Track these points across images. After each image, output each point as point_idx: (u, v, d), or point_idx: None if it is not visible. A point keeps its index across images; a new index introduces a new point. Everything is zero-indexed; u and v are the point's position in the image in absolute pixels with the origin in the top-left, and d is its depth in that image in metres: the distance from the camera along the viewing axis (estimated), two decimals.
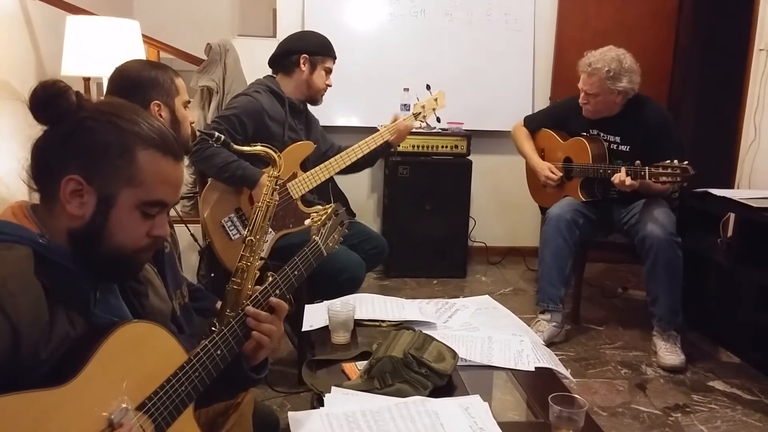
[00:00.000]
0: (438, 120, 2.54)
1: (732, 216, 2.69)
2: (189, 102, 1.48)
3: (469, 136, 3.36)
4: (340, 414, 1.12)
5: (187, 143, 1.47)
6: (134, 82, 1.37)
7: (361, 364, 1.34)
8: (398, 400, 1.17)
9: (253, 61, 2.90)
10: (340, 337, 1.50)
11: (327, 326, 1.53)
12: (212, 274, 2.16)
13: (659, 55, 3.57)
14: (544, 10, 3.60)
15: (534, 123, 2.85)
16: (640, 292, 3.10)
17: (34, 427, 0.69)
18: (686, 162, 2.21)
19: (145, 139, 0.85)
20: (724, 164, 3.19)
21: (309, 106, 2.34)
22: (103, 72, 2.18)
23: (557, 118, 2.78)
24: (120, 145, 0.83)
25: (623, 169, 2.35)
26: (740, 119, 3.05)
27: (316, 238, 1.25)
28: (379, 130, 2.32)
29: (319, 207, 1.41)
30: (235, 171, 2.04)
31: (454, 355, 1.34)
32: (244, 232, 1.56)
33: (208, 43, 2.99)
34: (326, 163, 2.20)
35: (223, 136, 1.52)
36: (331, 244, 1.29)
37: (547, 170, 2.69)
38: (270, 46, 2.33)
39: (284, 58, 2.22)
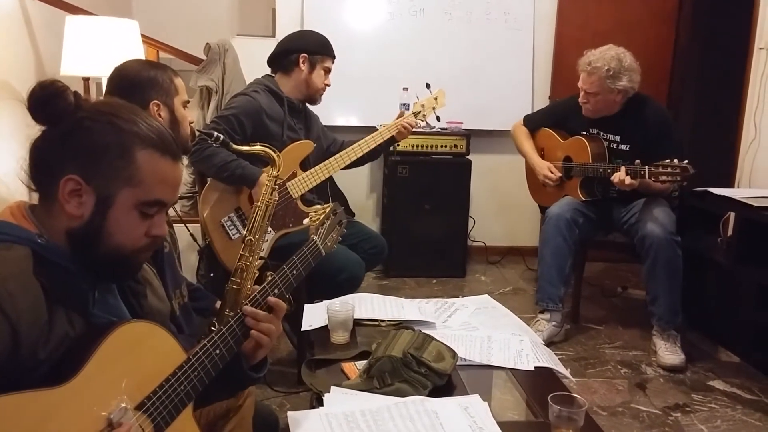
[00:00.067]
0: (438, 119, 2.55)
1: (732, 215, 2.69)
2: (188, 102, 1.48)
3: (469, 135, 3.36)
4: (340, 413, 1.12)
5: (187, 143, 1.46)
6: (133, 82, 1.37)
7: (361, 364, 1.34)
8: (397, 399, 1.17)
9: (253, 60, 2.90)
10: (340, 337, 1.50)
11: (326, 326, 1.53)
12: (212, 274, 2.16)
13: (659, 54, 3.57)
14: (543, 8, 3.60)
15: (534, 122, 2.85)
16: (640, 292, 3.10)
17: (33, 427, 0.69)
18: (686, 161, 2.21)
19: (144, 139, 0.85)
20: (724, 163, 3.19)
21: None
22: (103, 72, 2.18)
23: (557, 117, 2.78)
24: (118, 144, 0.83)
25: (623, 168, 2.34)
26: (740, 118, 3.05)
27: (315, 238, 1.25)
28: (378, 130, 2.32)
29: (318, 207, 1.40)
30: (234, 170, 2.04)
31: (454, 354, 1.34)
32: (244, 232, 1.56)
33: (207, 43, 2.98)
34: (325, 162, 2.20)
35: (222, 136, 1.52)
36: (329, 244, 1.29)
37: (546, 170, 2.69)
38: (269, 46, 2.33)
39: (283, 58, 2.22)
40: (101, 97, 1.98)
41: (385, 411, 1.13)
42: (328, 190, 2.43)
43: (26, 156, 0.85)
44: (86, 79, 2.40)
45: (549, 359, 1.45)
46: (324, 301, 1.66)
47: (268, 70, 2.29)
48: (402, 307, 1.68)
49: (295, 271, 1.13)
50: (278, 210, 2.00)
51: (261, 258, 1.57)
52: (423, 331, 1.42)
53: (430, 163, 3.32)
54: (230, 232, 2.08)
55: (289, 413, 1.12)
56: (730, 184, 3.04)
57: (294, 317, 1.69)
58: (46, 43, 2.43)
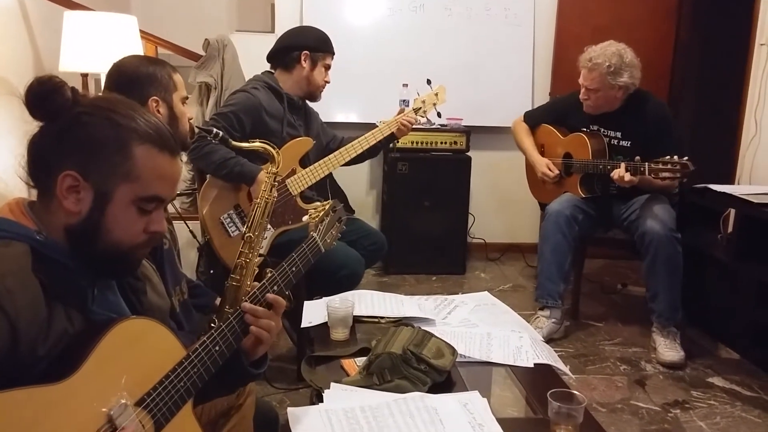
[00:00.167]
0: (439, 115, 2.54)
1: (732, 212, 2.68)
2: (187, 98, 1.47)
3: (469, 131, 3.35)
4: (339, 410, 1.12)
5: (185, 139, 1.46)
6: (132, 78, 1.37)
7: (360, 361, 1.34)
8: (397, 396, 1.18)
9: (252, 56, 2.90)
10: (339, 334, 1.50)
11: (326, 323, 1.53)
12: (211, 271, 2.16)
13: (659, 50, 3.56)
14: (543, 4, 3.59)
15: (534, 118, 2.84)
16: (640, 289, 3.10)
17: (33, 423, 0.69)
18: (686, 158, 2.21)
19: (142, 135, 0.84)
20: (724, 160, 3.19)
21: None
22: (101, 68, 2.18)
23: (557, 113, 2.77)
24: (116, 140, 0.83)
25: (622, 165, 2.34)
26: (741, 115, 3.04)
27: (314, 235, 1.24)
28: (378, 126, 2.31)
29: (318, 203, 1.40)
30: (233, 168, 2.03)
31: (453, 351, 1.34)
32: (243, 229, 1.56)
33: (206, 39, 2.97)
34: (325, 159, 2.19)
35: (221, 133, 1.52)
36: (329, 241, 1.29)
37: (545, 167, 2.68)
38: (268, 42, 2.32)
39: (284, 54, 2.21)
40: (99, 94, 1.97)
41: (384, 407, 1.13)
42: (327, 187, 2.43)
43: (24, 152, 0.85)
44: (84, 75, 2.39)
45: (548, 356, 1.45)
46: (324, 298, 1.66)
47: (267, 66, 2.28)
48: (402, 304, 1.68)
49: (294, 268, 1.13)
50: (277, 207, 2.00)
51: (260, 255, 1.57)
52: (422, 327, 1.42)
53: (429, 159, 3.31)
54: (229, 230, 2.07)
55: (289, 409, 1.12)
56: (730, 180, 3.04)
57: (294, 314, 1.70)
58: (44, 38, 2.42)
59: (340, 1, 3.45)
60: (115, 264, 0.87)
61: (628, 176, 2.31)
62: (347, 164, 2.28)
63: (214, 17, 3.86)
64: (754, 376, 2.30)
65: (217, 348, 0.92)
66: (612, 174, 2.37)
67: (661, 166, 2.23)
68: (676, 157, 2.21)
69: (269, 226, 2.01)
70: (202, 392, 0.90)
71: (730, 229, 2.69)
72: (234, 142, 1.57)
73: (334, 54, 2.26)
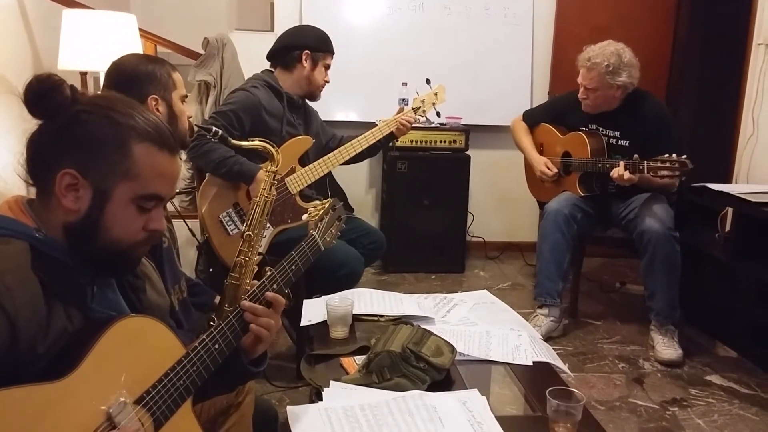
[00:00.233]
0: (438, 114, 2.54)
1: (730, 211, 2.69)
2: (186, 96, 1.47)
3: (468, 130, 3.35)
4: (339, 408, 1.12)
5: (185, 138, 1.46)
6: (131, 77, 1.37)
7: (360, 359, 1.34)
8: (396, 394, 1.18)
9: (251, 55, 2.89)
10: (339, 332, 1.50)
11: (325, 321, 1.53)
12: (210, 269, 2.16)
13: (658, 49, 3.57)
14: (542, 4, 3.59)
15: (533, 118, 2.85)
16: (638, 287, 3.11)
17: (32, 421, 0.69)
18: (685, 156, 2.21)
19: (141, 133, 0.84)
20: (722, 159, 3.19)
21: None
22: (100, 66, 2.17)
23: (556, 112, 2.77)
24: (115, 138, 0.83)
25: (622, 163, 2.34)
26: (739, 114, 3.05)
27: (314, 233, 1.25)
28: (377, 125, 2.31)
29: (317, 202, 1.40)
30: (232, 166, 2.03)
31: (453, 349, 1.34)
32: (242, 228, 1.56)
33: (205, 38, 2.97)
34: (324, 158, 2.19)
35: (220, 131, 1.52)
36: (328, 239, 1.29)
37: (543, 165, 2.69)
38: (268, 41, 2.32)
39: (285, 54, 2.21)
40: (98, 92, 1.97)
41: (384, 405, 1.13)
42: (327, 186, 2.43)
43: (23, 150, 0.85)
44: (83, 74, 2.39)
45: (547, 354, 1.46)
46: (323, 297, 1.66)
47: (266, 65, 2.28)
48: (401, 302, 1.68)
49: (294, 267, 1.13)
50: (277, 206, 2.00)
51: (259, 254, 1.57)
52: (422, 326, 1.42)
53: (429, 158, 3.31)
54: (228, 228, 2.07)
55: (289, 408, 1.12)
56: (728, 179, 3.05)
57: (293, 312, 1.70)
58: (43, 37, 2.41)
59: (339, 0, 3.44)
60: (115, 262, 0.87)
61: (627, 175, 2.31)
62: (346, 163, 2.28)
63: (214, 16, 3.85)
64: (752, 374, 2.31)
65: (216, 346, 0.92)
66: (611, 173, 2.37)
67: (660, 164, 2.24)
68: (675, 155, 2.22)
69: (268, 224, 2.01)
70: (202, 390, 0.90)
71: (727, 228, 2.70)
72: (233, 141, 1.57)
73: (334, 53, 2.26)
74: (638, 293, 3.04)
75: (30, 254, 0.78)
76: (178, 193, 2.72)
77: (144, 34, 2.65)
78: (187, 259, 2.43)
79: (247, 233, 1.50)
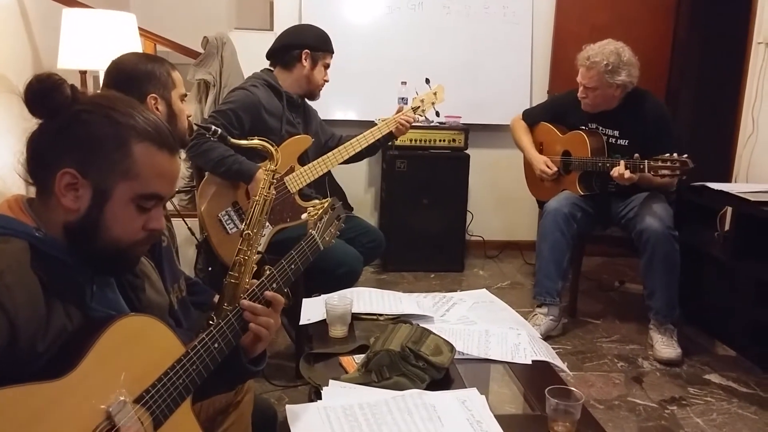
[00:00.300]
0: (437, 114, 2.54)
1: (729, 210, 2.69)
2: (186, 95, 1.47)
3: (467, 129, 3.35)
4: (338, 407, 1.12)
5: (184, 137, 1.46)
6: (131, 76, 1.37)
7: (359, 358, 1.34)
8: (395, 393, 1.18)
9: (250, 54, 2.89)
10: (338, 331, 1.50)
11: (324, 320, 1.53)
12: (210, 268, 2.16)
13: (658, 48, 3.57)
14: (542, 3, 3.59)
15: (532, 117, 2.85)
16: (637, 286, 3.11)
17: (31, 420, 0.69)
18: (685, 155, 2.21)
19: (141, 132, 0.84)
20: (721, 158, 3.20)
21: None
22: (100, 65, 2.17)
23: (556, 111, 2.77)
24: (115, 137, 0.83)
25: (622, 162, 2.34)
26: (738, 113, 3.05)
27: (313, 232, 1.25)
28: (377, 125, 2.31)
29: (316, 201, 1.40)
30: (231, 165, 2.03)
31: (452, 348, 1.34)
32: (242, 226, 1.56)
33: (204, 36, 2.97)
34: (324, 157, 2.20)
35: (220, 130, 1.52)
36: (327, 238, 1.29)
37: (543, 164, 2.69)
38: (267, 40, 2.32)
39: (285, 53, 2.21)
40: (98, 91, 1.97)
41: (383, 404, 1.13)
42: (326, 185, 2.43)
43: (23, 149, 0.85)
44: (83, 73, 2.39)
45: (546, 353, 1.46)
46: (322, 295, 1.66)
47: (265, 64, 2.28)
48: (400, 301, 1.68)
49: (293, 266, 1.13)
50: (276, 204, 2.00)
51: (258, 252, 1.57)
52: (421, 325, 1.42)
53: (428, 157, 3.31)
54: (227, 227, 2.07)
55: (288, 407, 1.13)
56: (727, 178, 3.05)
57: (292, 311, 1.70)
58: (42, 36, 2.41)
59: None
60: (114, 261, 0.87)
61: (627, 173, 2.31)
62: (346, 162, 2.28)
63: (213, 15, 3.85)
64: (751, 373, 2.31)
65: (215, 345, 0.92)
66: (612, 172, 2.37)
67: (661, 163, 2.24)
68: (675, 154, 2.22)
69: (267, 223, 2.01)
70: (201, 389, 0.90)
71: (727, 227, 2.70)
72: (232, 140, 1.57)
73: (333, 53, 2.26)
74: (637, 292, 3.04)
75: (30, 253, 0.78)
76: (177, 192, 2.71)
77: (143, 33, 2.65)
78: (186, 258, 2.43)
79: (246, 232, 1.50)
